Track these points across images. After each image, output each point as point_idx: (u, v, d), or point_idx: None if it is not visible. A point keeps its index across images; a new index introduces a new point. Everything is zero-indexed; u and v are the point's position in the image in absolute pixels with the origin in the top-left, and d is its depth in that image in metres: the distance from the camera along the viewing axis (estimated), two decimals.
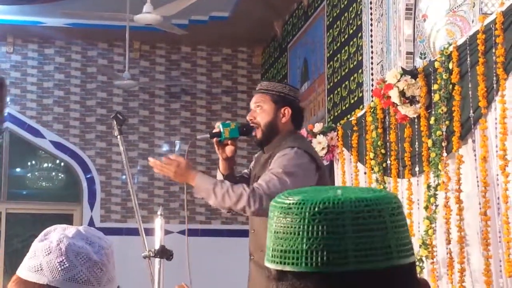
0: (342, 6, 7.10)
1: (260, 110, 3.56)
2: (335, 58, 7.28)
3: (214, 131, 3.62)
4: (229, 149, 3.62)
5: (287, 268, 1.00)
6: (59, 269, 1.49)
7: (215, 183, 3.42)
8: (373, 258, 0.98)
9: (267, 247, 1.04)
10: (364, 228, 0.99)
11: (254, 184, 3.39)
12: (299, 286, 1.00)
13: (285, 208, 1.02)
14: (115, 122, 3.29)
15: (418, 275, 1.07)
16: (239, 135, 3.60)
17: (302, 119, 3.68)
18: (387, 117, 5.22)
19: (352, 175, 5.76)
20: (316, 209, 0.99)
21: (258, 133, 3.57)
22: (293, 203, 1.01)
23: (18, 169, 10.06)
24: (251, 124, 3.58)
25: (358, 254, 0.98)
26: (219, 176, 3.69)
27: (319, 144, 6.08)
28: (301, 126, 3.71)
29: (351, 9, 6.84)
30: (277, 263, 1.02)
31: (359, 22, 6.57)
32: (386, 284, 0.99)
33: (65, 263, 1.49)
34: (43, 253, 1.51)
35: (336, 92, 7.23)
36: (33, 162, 10.05)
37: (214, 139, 3.61)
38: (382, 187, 5.23)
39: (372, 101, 5.61)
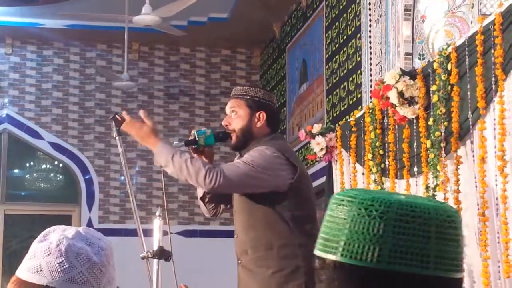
0: (341, 7, 7.10)
1: (235, 116, 3.57)
2: (334, 59, 7.28)
3: (189, 138, 3.62)
4: (206, 154, 3.63)
5: (326, 256, 1.04)
6: (59, 270, 1.48)
7: (175, 152, 3.44)
8: (407, 262, 1.00)
9: (329, 240, 1.07)
10: (405, 231, 1.00)
11: (218, 164, 3.44)
12: (332, 275, 1.02)
13: (339, 200, 1.05)
14: (113, 123, 3.29)
15: None
16: (215, 142, 3.61)
17: (278, 122, 3.70)
18: (385, 118, 5.22)
19: (351, 176, 5.76)
20: (364, 204, 1.02)
21: (234, 138, 3.57)
22: (346, 196, 1.05)
23: (16, 170, 10.06)
24: (227, 130, 3.59)
25: (392, 255, 1.00)
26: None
27: (318, 145, 6.08)
28: (278, 128, 3.73)
29: (349, 10, 6.85)
30: (321, 250, 1.05)
31: (357, 23, 6.58)
32: None
33: (65, 264, 1.49)
34: (42, 254, 1.50)
35: (334, 93, 7.23)
36: (32, 163, 10.04)
37: (190, 147, 3.61)
38: (380, 188, 5.23)
39: (370, 102, 5.61)
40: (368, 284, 1.01)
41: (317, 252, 1.07)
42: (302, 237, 3.39)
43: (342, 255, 1.02)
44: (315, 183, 6.01)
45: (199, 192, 3.70)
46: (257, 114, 3.55)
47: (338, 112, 7.08)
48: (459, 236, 1.04)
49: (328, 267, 1.04)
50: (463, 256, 1.03)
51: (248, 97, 3.57)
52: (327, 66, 7.49)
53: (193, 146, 3.59)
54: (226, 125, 3.59)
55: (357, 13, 6.59)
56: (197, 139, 3.56)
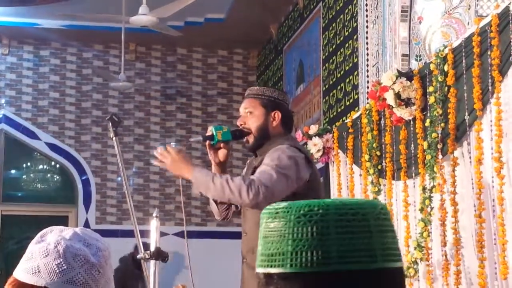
0: (338, 8, 7.11)
1: (250, 115, 3.56)
2: (331, 60, 7.29)
3: (207, 134, 3.62)
4: (221, 153, 3.62)
5: (273, 270, 1.03)
6: (57, 271, 1.48)
7: (213, 174, 3.43)
8: (356, 259, 1.00)
9: (257, 253, 1.07)
10: (348, 230, 1.01)
11: (251, 176, 3.40)
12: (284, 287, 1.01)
13: (273, 213, 1.05)
14: (110, 124, 3.28)
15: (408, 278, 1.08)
16: (232, 139, 3.60)
17: (292, 122, 3.70)
18: (382, 119, 5.22)
19: (348, 177, 5.76)
20: (301, 211, 1.02)
21: (250, 138, 3.57)
22: (280, 208, 1.05)
23: (13, 171, 10.05)
24: (243, 129, 3.59)
25: (341, 255, 1.00)
26: None
27: (315, 146, 6.08)
28: (292, 129, 3.73)
29: (346, 11, 6.85)
30: (265, 266, 1.04)
31: (354, 24, 6.58)
32: (370, 286, 1.01)
33: (63, 265, 1.49)
34: (40, 255, 1.50)
35: (331, 94, 7.24)
36: (28, 164, 10.03)
37: (207, 142, 3.61)
38: (377, 189, 5.24)
39: (367, 103, 5.61)
40: None
41: (259, 269, 1.06)
42: None
43: (291, 266, 1.01)
44: None
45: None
46: (272, 114, 3.55)
47: (335, 113, 7.08)
48: (393, 227, 1.06)
49: (278, 281, 1.03)
50: (390, 245, 1.04)
51: (263, 97, 3.57)
52: (324, 67, 7.50)
53: (210, 142, 3.58)
54: (241, 125, 3.59)
55: (354, 14, 6.59)
56: (214, 134, 3.56)
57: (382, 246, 1.02)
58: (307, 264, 1.01)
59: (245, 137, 3.58)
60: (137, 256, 3.09)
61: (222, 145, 3.60)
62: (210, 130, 3.61)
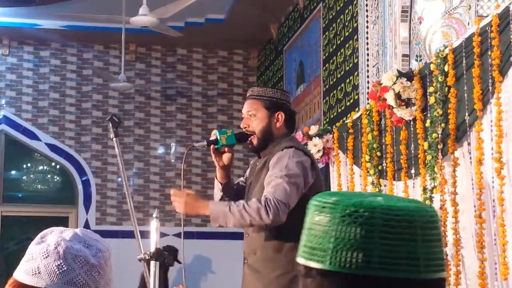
0: (338, 8, 7.11)
1: (253, 118, 3.55)
2: (331, 61, 7.29)
3: (211, 138, 3.61)
4: (226, 157, 3.62)
5: (313, 264, 1.02)
6: (57, 272, 1.48)
7: (229, 204, 3.40)
8: (397, 267, 0.99)
9: (301, 243, 1.06)
10: (392, 236, 0.99)
11: (265, 193, 3.38)
12: (321, 284, 1.01)
13: (320, 207, 1.05)
14: (110, 125, 3.28)
15: None
16: (236, 142, 3.59)
17: (294, 122, 3.69)
18: (382, 120, 5.22)
19: (348, 177, 5.76)
20: (348, 211, 1.01)
21: (254, 140, 3.56)
22: (327, 202, 1.04)
23: (13, 172, 10.04)
24: (247, 132, 3.58)
25: (382, 261, 0.99)
26: (217, 185, 3.68)
27: (315, 146, 6.08)
28: (294, 128, 3.72)
29: (347, 11, 6.85)
30: (306, 258, 1.04)
31: (355, 25, 6.58)
32: None
33: (63, 266, 1.49)
34: (40, 256, 1.50)
35: (332, 94, 7.24)
36: (29, 164, 10.03)
37: (211, 147, 3.60)
38: (377, 189, 5.23)
39: (368, 103, 5.61)
40: (321, 285, 1.01)
41: (301, 260, 1.05)
42: None
43: (330, 264, 1.01)
44: None
45: (217, 195, 3.69)
46: (275, 115, 3.55)
47: (335, 114, 7.08)
48: (440, 236, 1.04)
49: (316, 275, 1.03)
50: (436, 255, 1.02)
51: (265, 98, 3.56)
52: (324, 68, 7.50)
53: (215, 146, 3.58)
54: (245, 127, 3.58)
55: (354, 15, 6.59)
56: (218, 138, 3.56)
57: (427, 256, 1.00)
58: (346, 265, 1.00)
59: (249, 139, 3.58)
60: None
61: (226, 149, 3.60)
62: (214, 134, 3.60)
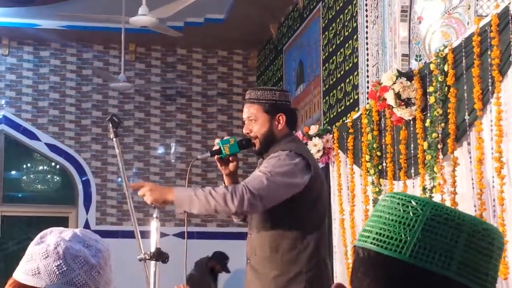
0: (338, 8, 7.11)
1: (255, 123, 3.54)
2: (331, 60, 7.29)
3: (214, 148, 3.61)
4: (231, 165, 3.62)
5: (387, 253, 1.04)
6: (57, 272, 1.48)
7: (195, 189, 3.41)
8: (428, 259, 1.02)
9: (365, 230, 1.08)
10: (474, 247, 1.04)
11: (241, 182, 3.40)
12: (393, 273, 1.03)
13: (406, 200, 1.06)
14: (110, 125, 3.28)
15: None
16: (239, 150, 3.59)
17: (296, 120, 3.68)
18: (382, 120, 5.22)
19: (348, 177, 5.76)
20: (438, 211, 1.04)
21: (257, 144, 3.56)
22: (414, 199, 1.06)
23: (13, 172, 10.04)
24: (249, 137, 3.58)
25: (461, 268, 1.02)
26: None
27: (315, 146, 6.08)
28: (296, 126, 3.72)
29: (346, 11, 6.85)
30: (378, 246, 1.05)
31: (354, 24, 6.58)
32: None
33: (63, 266, 1.48)
34: (40, 257, 1.50)
35: (331, 94, 7.24)
36: (29, 164, 10.03)
37: (216, 157, 3.60)
38: (377, 189, 5.23)
39: (367, 103, 5.61)
40: (389, 273, 1.03)
41: (356, 243, 1.09)
42: (308, 242, 3.40)
43: (371, 243, 1.05)
44: None
45: None
46: (276, 117, 3.53)
47: (335, 114, 7.08)
48: (492, 252, 1.06)
49: (359, 254, 1.07)
50: (496, 275, 1.06)
51: (264, 101, 3.54)
52: (324, 67, 7.49)
53: (219, 156, 3.57)
54: (247, 133, 3.58)
55: (354, 14, 6.59)
56: (221, 148, 3.55)
57: (465, 261, 1.03)
58: (383, 246, 1.03)
59: (253, 143, 3.57)
60: (213, 265, 3.11)
61: (230, 158, 3.60)
62: (217, 144, 3.59)
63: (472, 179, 4.06)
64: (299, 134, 6.11)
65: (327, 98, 7.37)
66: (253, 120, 3.54)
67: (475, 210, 3.98)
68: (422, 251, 1.01)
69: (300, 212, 3.43)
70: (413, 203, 1.04)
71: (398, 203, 1.05)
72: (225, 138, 3.61)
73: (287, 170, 3.37)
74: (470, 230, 1.03)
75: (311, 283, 3.37)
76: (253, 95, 3.58)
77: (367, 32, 6.19)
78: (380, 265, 1.03)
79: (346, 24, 6.87)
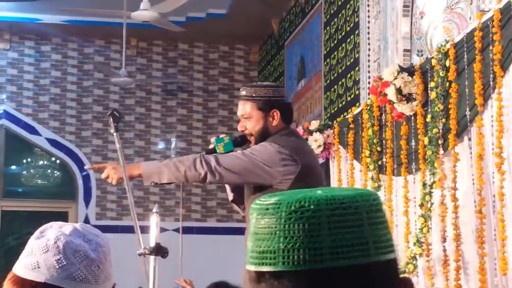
0: (339, 3, 7.10)
1: (249, 120, 3.56)
2: (332, 56, 7.28)
3: (209, 147, 3.62)
4: None
5: (265, 268, 1.00)
6: (57, 267, 1.48)
7: (162, 161, 3.50)
8: (349, 254, 0.98)
9: (248, 250, 1.04)
10: (340, 225, 0.99)
11: None
12: (277, 286, 0.99)
13: (263, 209, 1.02)
14: (111, 120, 3.28)
15: (401, 273, 1.06)
16: (234, 148, 3.60)
17: (291, 114, 3.69)
18: (383, 115, 5.22)
19: (348, 172, 5.76)
20: (292, 208, 0.99)
21: (253, 141, 3.58)
22: (270, 204, 1.02)
23: (13, 167, 10.04)
24: (244, 134, 3.59)
25: (334, 251, 0.98)
26: (227, 187, 3.70)
27: (316, 141, 6.08)
28: (292, 120, 3.72)
29: (348, 6, 6.84)
30: (256, 264, 1.01)
31: (356, 19, 6.57)
32: (364, 281, 0.99)
33: (63, 261, 1.48)
34: (40, 251, 1.50)
35: (332, 89, 7.23)
36: (29, 159, 10.03)
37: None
38: (377, 184, 5.23)
39: (368, 98, 5.61)
40: (316, 286, 0.99)
41: (251, 267, 1.02)
42: None
43: (283, 264, 0.99)
44: None
45: (229, 195, 3.71)
46: (271, 113, 3.54)
47: (336, 109, 7.08)
48: (385, 218, 1.03)
49: (269, 278, 1.00)
50: (385, 237, 1.01)
51: (258, 98, 3.55)
52: (325, 63, 7.49)
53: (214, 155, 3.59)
54: (242, 130, 3.59)
55: (356, 9, 6.58)
56: (216, 147, 3.56)
57: (375, 239, 0.99)
58: (299, 262, 0.98)
59: (248, 140, 3.59)
60: None
61: None
62: (212, 143, 3.61)
63: (473, 175, 4.06)
64: (299, 129, 6.10)
65: (328, 93, 7.37)
66: (247, 117, 3.55)
67: (475, 206, 3.97)
68: (339, 249, 0.97)
69: None
70: (306, 206, 0.99)
71: (290, 213, 0.99)
72: (220, 136, 3.62)
73: (264, 156, 3.40)
74: (366, 207, 0.99)
75: None
76: (247, 92, 3.59)
77: (368, 27, 6.18)
78: (304, 283, 0.98)
79: (347, 19, 6.86)
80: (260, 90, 3.58)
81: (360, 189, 1.04)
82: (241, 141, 3.62)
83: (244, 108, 3.57)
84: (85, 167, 3.79)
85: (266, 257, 1.00)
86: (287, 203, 1.00)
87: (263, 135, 3.53)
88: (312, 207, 0.99)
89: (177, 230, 9.02)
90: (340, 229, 0.98)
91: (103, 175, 3.48)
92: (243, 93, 3.61)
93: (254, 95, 3.56)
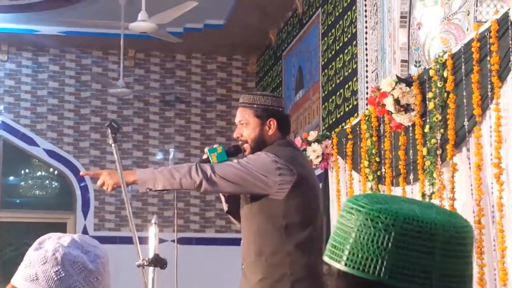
0: (337, 14, 7.11)
1: (245, 127, 3.56)
2: (330, 66, 7.29)
3: (203, 157, 3.62)
4: None
5: (332, 263, 1.03)
6: (55, 278, 1.47)
7: (156, 168, 3.50)
8: (408, 278, 0.98)
9: (335, 247, 1.05)
10: (408, 246, 1.00)
11: None
12: (337, 284, 1.03)
13: (348, 208, 1.04)
14: (109, 130, 3.27)
15: None
16: (228, 158, 3.59)
17: (289, 125, 3.69)
18: (381, 125, 5.22)
19: (347, 183, 5.76)
20: (371, 215, 1.01)
21: (247, 149, 3.57)
22: (355, 204, 1.03)
23: (11, 178, 10.03)
24: (239, 142, 3.59)
25: (394, 270, 0.99)
26: (223, 200, 3.70)
27: (314, 152, 6.07)
28: (289, 132, 3.71)
29: (346, 17, 6.85)
30: (328, 257, 1.04)
31: (354, 30, 6.58)
32: None
33: (61, 272, 1.48)
34: (38, 263, 1.49)
35: (330, 100, 7.24)
36: (27, 170, 10.02)
37: None
38: None
39: (366, 109, 5.61)
40: None
41: (325, 258, 1.06)
42: (292, 245, 3.40)
43: (345, 264, 1.01)
44: None
45: (224, 206, 3.71)
46: (267, 122, 3.54)
47: (334, 119, 7.08)
48: (467, 253, 1.01)
49: (333, 274, 1.03)
50: (472, 271, 1.01)
51: (256, 105, 3.55)
52: (323, 73, 7.50)
53: None
54: (238, 137, 3.59)
55: (353, 20, 6.59)
56: (209, 157, 3.56)
57: (444, 272, 0.98)
58: (359, 268, 1.00)
59: (242, 148, 3.59)
60: None
61: None
62: (206, 153, 3.61)
63: (471, 185, 4.06)
64: (298, 140, 6.10)
65: (326, 104, 7.37)
66: (244, 124, 3.55)
67: (474, 216, 3.97)
68: (401, 270, 0.98)
69: (284, 217, 3.42)
70: (382, 217, 1.00)
71: (366, 219, 1.00)
72: (214, 146, 3.61)
73: (259, 165, 3.39)
74: (444, 237, 0.99)
75: (295, 286, 3.37)
76: (246, 99, 3.61)
77: (366, 38, 6.19)
78: (331, 277, 1.02)
79: (345, 30, 6.87)
80: (259, 98, 3.59)
81: (451, 215, 1.01)
82: (234, 151, 3.62)
83: (242, 114, 3.58)
84: (80, 173, 3.79)
85: (334, 253, 1.03)
86: (369, 208, 1.02)
87: (258, 143, 3.53)
88: (387, 220, 1.00)
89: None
90: (407, 251, 0.98)
91: (98, 183, 3.49)
92: (243, 100, 3.63)
93: (253, 102, 3.57)
